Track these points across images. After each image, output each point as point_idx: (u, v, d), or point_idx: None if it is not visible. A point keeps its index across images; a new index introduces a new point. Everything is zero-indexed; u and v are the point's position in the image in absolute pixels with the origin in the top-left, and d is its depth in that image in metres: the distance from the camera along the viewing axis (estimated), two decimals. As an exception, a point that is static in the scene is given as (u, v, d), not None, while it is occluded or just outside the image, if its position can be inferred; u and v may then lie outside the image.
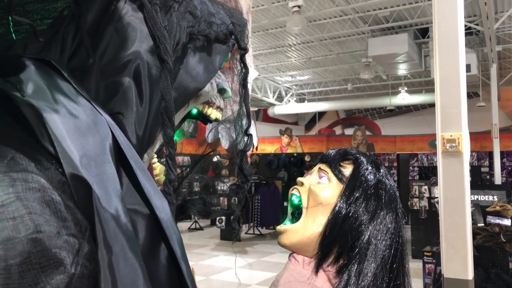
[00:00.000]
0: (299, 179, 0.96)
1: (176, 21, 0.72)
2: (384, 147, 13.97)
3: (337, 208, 0.86)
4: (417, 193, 8.46)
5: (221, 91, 0.91)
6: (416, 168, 12.34)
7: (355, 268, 0.80)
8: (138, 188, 0.58)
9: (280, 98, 15.47)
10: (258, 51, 11.20)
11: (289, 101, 15.58)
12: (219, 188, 9.45)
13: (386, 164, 13.44)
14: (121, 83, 0.67)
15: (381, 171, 0.94)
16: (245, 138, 0.98)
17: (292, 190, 0.95)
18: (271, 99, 14.69)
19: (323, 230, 0.85)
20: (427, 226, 7.90)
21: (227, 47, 0.83)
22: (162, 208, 0.60)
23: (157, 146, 0.79)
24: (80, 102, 0.57)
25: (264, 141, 14.78)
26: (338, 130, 17.17)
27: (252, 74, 2.97)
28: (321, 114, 16.54)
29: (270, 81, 14.23)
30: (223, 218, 9.74)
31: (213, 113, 0.91)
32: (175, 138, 1.13)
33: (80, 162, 0.50)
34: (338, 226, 0.85)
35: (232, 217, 1.02)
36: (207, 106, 0.89)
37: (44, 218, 0.44)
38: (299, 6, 7.69)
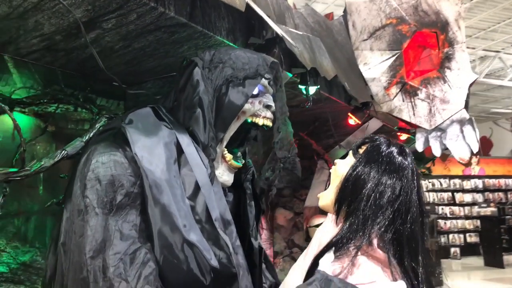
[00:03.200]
0: (335, 160, 1.26)
1: (218, 73, 1.26)
2: None
3: (345, 175, 1.14)
4: None
5: (268, 107, 1.33)
6: None
7: (355, 215, 1.06)
8: (187, 161, 1.15)
9: None
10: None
11: None
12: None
13: None
14: (195, 111, 1.24)
15: (392, 148, 1.14)
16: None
17: (331, 169, 1.27)
18: None
19: (335, 193, 1.15)
20: None
21: (255, 80, 1.28)
22: (201, 173, 1.15)
23: (224, 144, 1.30)
24: (157, 125, 1.19)
25: None
26: None
27: (471, 78, 2.91)
28: None
29: None
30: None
31: (260, 121, 1.32)
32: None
33: (137, 150, 1.10)
34: (343, 188, 1.13)
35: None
36: (255, 117, 1.32)
37: (119, 167, 1.09)
38: None
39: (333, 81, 2.51)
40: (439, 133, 2.84)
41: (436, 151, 2.85)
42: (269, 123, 1.35)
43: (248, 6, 1.40)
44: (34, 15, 1.27)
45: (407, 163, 1.12)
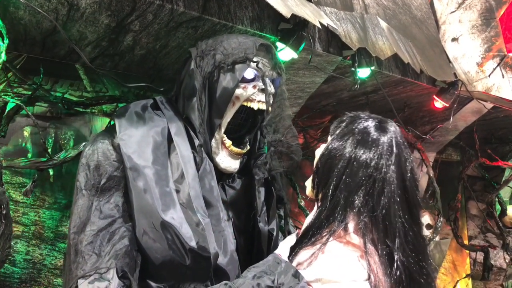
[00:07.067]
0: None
1: (209, 60, 1.29)
2: None
3: (319, 156, 1.08)
4: None
5: (263, 90, 1.31)
6: None
7: (326, 199, 1.01)
8: (175, 148, 1.22)
9: None
10: None
11: None
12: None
13: None
14: (192, 100, 1.30)
15: (369, 123, 1.03)
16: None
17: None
18: None
19: (312, 175, 1.10)
20: None
21: (244, 64, 1.27)
22: (186, 159, 1.20)
23: (223, 130, 1.32)
24: (149, 115, 1.27)
25: None
26: None
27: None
28: None
29: None
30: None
31: (254, 105, 1.31)
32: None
33: (121, 137, 1.19)
34: (316, 171, 1.08)
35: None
36: (249, 101, 1.31)
37: (103, 154, 1.19)
38: None
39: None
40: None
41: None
42: (265, 107, 1.32)
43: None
44: (73, 25, 1.47)
45: (384, 138, 1.00)
